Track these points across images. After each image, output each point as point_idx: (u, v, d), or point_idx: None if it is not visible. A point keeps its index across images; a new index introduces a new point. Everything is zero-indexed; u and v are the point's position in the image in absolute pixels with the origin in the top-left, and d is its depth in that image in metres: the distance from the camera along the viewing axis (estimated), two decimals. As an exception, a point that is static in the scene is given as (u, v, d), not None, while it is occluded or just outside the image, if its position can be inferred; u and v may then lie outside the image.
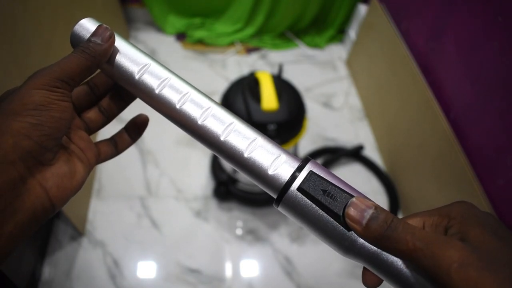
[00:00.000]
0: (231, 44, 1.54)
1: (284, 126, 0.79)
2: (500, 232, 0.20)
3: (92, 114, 0.29)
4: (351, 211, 0.21)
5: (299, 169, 0.23)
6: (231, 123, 0.25)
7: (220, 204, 1.03)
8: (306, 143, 1.20)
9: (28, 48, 0.70)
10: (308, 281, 0.92)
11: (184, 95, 0.26)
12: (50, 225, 0.93)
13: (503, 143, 0.71)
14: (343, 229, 0.22)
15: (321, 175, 0.23)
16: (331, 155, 1.16)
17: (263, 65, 1.49)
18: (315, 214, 0.22)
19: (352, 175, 1.16)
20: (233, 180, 0.97)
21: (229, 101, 0.83)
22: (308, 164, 0.23)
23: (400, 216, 1.07)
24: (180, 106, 0.26)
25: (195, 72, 1.41)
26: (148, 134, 1.22)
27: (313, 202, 0.22)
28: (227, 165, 0.96)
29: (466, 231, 0.20)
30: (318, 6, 1.49)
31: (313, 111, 1.31)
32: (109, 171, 1.06)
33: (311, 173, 0.23)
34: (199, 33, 1.51)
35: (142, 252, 0.92)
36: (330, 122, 1.30)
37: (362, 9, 1.40)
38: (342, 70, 1.50)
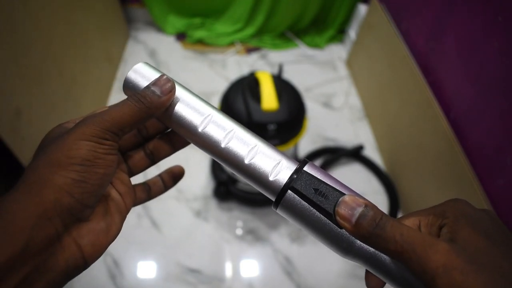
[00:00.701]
0: (231, 44, 1.54)
1: (284, 126, 0.79)
2: (492, 232, 0.20)
3: (137, 157, 0.28)
4: (341, 209, 0.21)
5: (297, 172, 0.23)
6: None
7: (220, 204, 1.03)
8: (306, 143, 1.20)
9: (28, 48, 0.70)
10: (308, 281, 0.92)
11: (253, 148, 0.25)
12: (50, 225, 0.93)
13: (503, 143, 0.71)
14: (341, 230, 0.22)
15: (314, 174, 0.23)
16: (331, 155, 1.16)
17: (263, 65, 1.49)
18: (311, 216, 0.22)
19: (352, 175, 1.16)
20: (233, 180, 0.97)
21: (229, 101, 0.83)
22: (305, 166, 0.23)
23: (400, 216, 1.07)
24: (249, 161, 0.24)
25: (195, 72, 1.41)
26: (148, 134, 1.22)
27: (306, 202, 0.22)
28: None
29: (456, 231, 0.20)
30: (318, 6, 1.49)
31: (313, 111, 1.31)
32: (109, 171, 1.06)
33: (303, 172, 0.23)
34: (199, 33, 1.51)
35: (142, 252, 0.92)
36: (330, 122, 1.30)
37: (362, 9, 1.40)
38: (342, 70, 1.50)
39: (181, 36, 1.54)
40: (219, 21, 1.54)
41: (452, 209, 0.21)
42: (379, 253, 0.22)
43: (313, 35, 1.62)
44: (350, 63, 1.49)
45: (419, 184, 0.99)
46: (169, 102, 0.24)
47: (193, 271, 0.90)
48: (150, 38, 1.52)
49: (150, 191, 0.29)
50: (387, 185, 1.11)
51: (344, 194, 0.22)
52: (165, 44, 1.51)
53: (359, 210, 0.21)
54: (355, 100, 1.39)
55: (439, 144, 0.88)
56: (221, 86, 1.30)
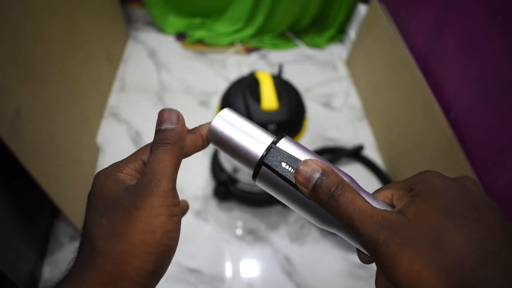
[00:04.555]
0: (231, 44, 1.54)
1: (284, 126, 0.79)
2: (453, 206, 0.19)
3: None
4: (298, 174, 0.21)
5: (269, 148, 0.24)
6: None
7: (220, 204, 1.03)
8: (306, 143, 1.20)
9: (28, 48, 0.70)
10: (308, 281, 0.92)
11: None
12: (50, 225, 0.93)
13: (503, 143, 0.71)
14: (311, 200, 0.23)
15: (284, 148, 0.24)
16: (331, 155, 1.16)
17: (263, 65, 1.49)
18: (284, 188, 0.23)
19: (352, 175, 1.15)
20: (233, 180, 0.97)
21: (229, 101, 0.83)
22: (280, 141, 0.24)
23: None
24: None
25: (195, 72, 1.41)
26: (148, 133, 1.23)
27: (277, 175, 0.23)
28: (227, 165, 0.96)
29: (411, 205, 0.20)
30: (318, 6, 1.49)
31: (313, 111, 1.31)
32: (109, 171, 1.06)
33: (271, 147, 0.24)
34: (199, 33, 1.51)
35: (142, 252, 0.92)
36: (330, 122, 1.30)
37: (362, 9, 1.40)
38: (342, 70, 1.50)
39: (181, 36, 1.54)
40: (219, 21, 1.54)
41: (419, 183, 0.22)
42: None
43: (313, 35, 1.62)
44: (350, 63, 1.49)
45: (419, 184, 0.99)
46: (183, 127, 0.24)
47: (193, 271, 0.90)
48: (150, 38, 1.52)
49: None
50: (387, 185, 1.11)
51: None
52: (165, 44, 1.51)
53: (316, 176, 0.21)
54: (355, 100, 1.39)
55: (439, 144, 0.88)
56: (221, 86, 1.30)
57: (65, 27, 0.91)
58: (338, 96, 1.39)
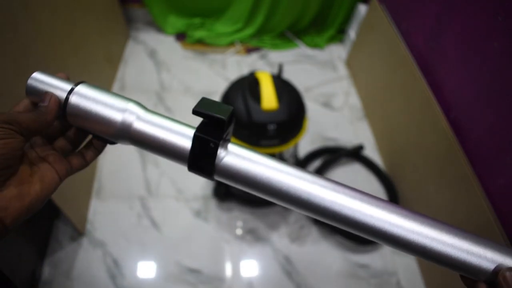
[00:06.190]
0: (231, 44, 1.54)
1: (284, 126, 0.79)
2: None
3: (60, 142, 0.35)
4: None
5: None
6: None
7: (220, 204, 1.03)
8: (306, 143, 1.20)
9: (28, 48, 0.70)
10: (308, 281, 0.92)
11: None
12: (50, 225, 0.93)
13: (503, 142, 0.71)
14: None
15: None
16: (331, 155, 1.16)
17: (263, 65, 1.49)
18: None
19: (352, 175, 1.16)
20: (233, 180, 0.97)
21: (229, 101, 0.83)
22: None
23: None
24: None
25: (195, 72, 1.41)
26: (148, 134, 1.22)
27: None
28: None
29: None
30: (318, 6, 1.49)
31: (313, 111, 1.31)
32: (109, 171, 1.06)
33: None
34: (199, 33, 1.51)
35: (142, 252, 0.92)
36: (330, 122, 1.30)
37: (362, 9, 1.40)
38: (342, 70, 1.50)
39: (181, 36, 1.54)
40: (219, 21, 1.54)
41: None
42: None
43: (313, 35, 1.62)
44: (350, 63, 1.49)
45: (419, 184, 0.99)
46: (54, 107, 0.31)
47: (193, 271, 0.90)
48: (150, 38, 1.52)
49: (84, 157, 0.35)
50: (387, 185, 1.11)
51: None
52: (165, 44, 1.51)
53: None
54: (355, 100, 1.39)
55: (439, 144, 0.88)
56: (221, 86, 1.30)
57: (65, 27, 0.91)
58: (338, 96, 1.40)
